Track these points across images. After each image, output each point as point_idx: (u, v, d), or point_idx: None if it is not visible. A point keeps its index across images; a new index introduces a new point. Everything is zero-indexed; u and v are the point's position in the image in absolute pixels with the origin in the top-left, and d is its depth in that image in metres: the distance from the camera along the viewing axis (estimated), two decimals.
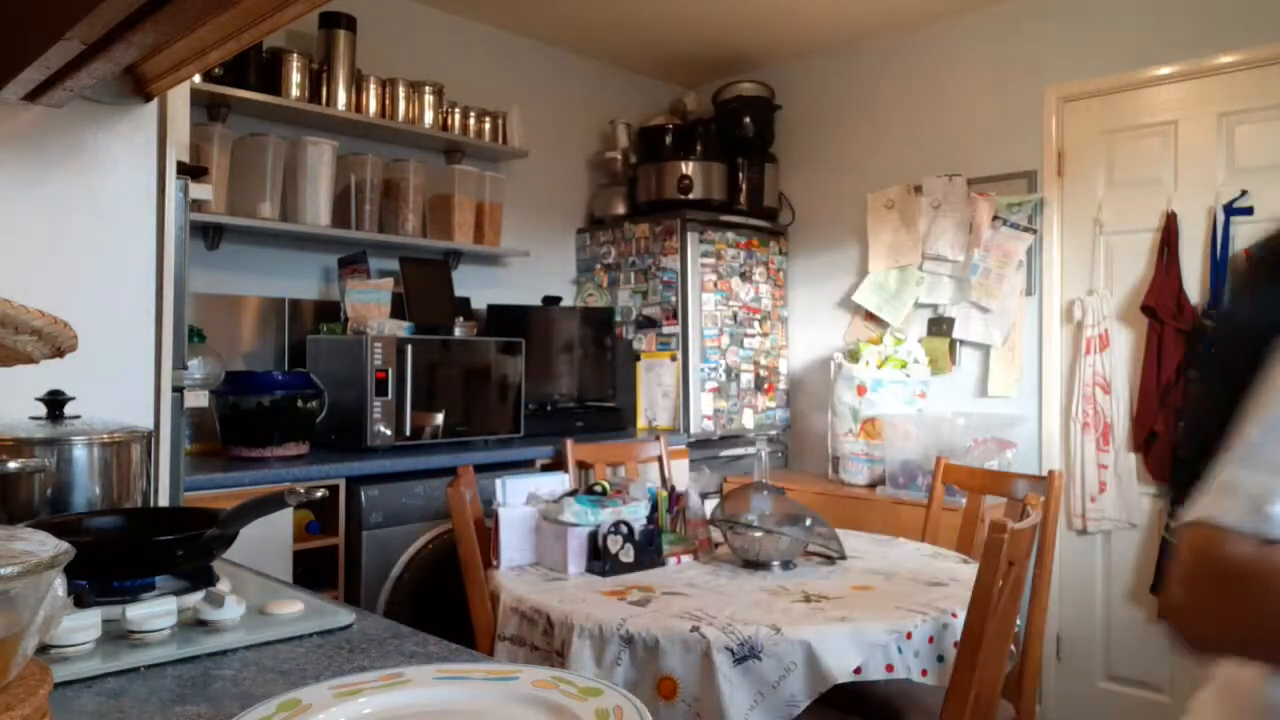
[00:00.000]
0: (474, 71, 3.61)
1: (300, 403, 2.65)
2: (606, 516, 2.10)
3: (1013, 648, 1.89)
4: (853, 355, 3.47)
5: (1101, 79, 3.19)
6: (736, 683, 1.59)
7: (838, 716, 1.90)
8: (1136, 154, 3.14)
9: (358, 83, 3.10)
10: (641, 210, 3.85)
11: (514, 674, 0.84)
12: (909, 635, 1.68)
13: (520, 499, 2.24)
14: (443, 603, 2.52)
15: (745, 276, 3.85)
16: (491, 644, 1.92)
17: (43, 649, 0.87)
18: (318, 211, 2.96)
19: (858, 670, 1.62)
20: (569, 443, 2.88)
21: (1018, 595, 1.77)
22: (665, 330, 3.69)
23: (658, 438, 3.18)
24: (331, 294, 3.17)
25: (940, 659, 1.71)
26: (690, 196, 3.71)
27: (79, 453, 1.29)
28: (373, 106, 3.13)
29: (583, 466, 2.90)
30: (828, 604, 1.80)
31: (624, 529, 2.08)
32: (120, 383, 1.65)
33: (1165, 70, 3.05)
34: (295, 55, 2.93)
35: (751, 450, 3.69)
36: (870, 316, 3.75)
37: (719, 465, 3.66)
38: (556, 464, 2.91)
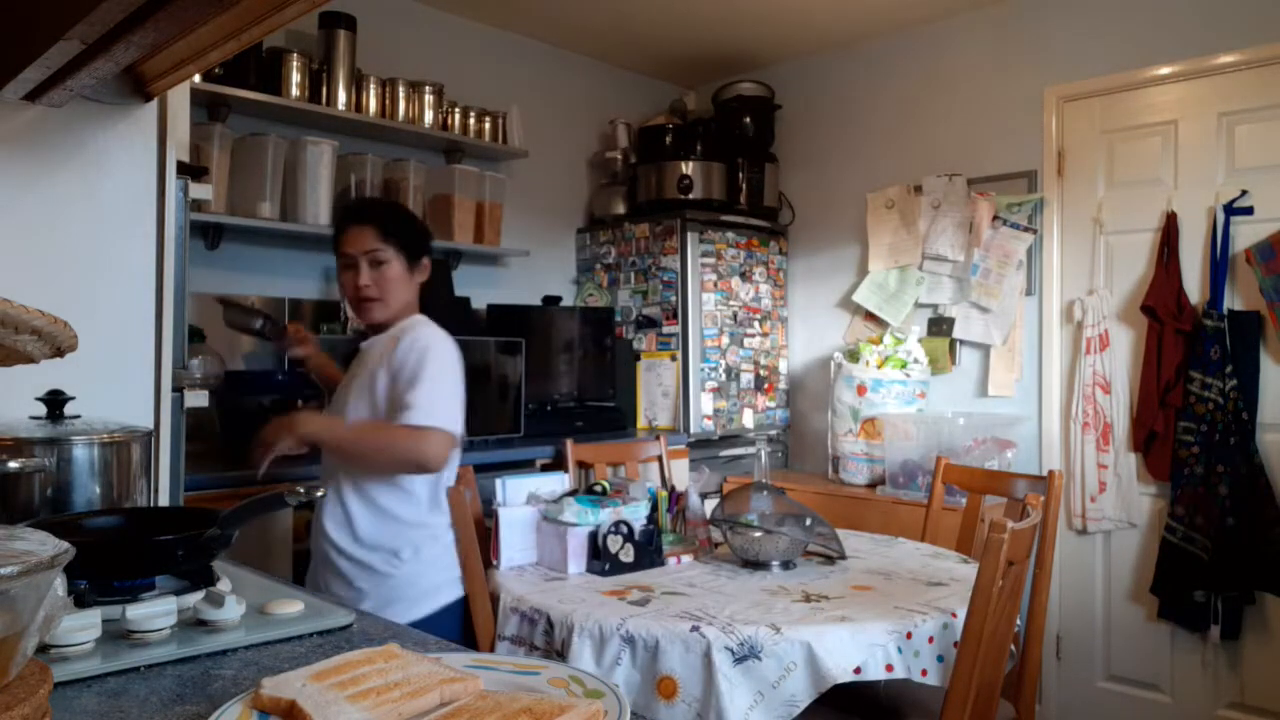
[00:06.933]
0: (474, 71, 3.61)
1: (300, 403, 2.65)
2: (606, 516, 2.10)
3: (1013, 648, 1.89)
4: (853, 355, 3.47)
5: (1101, 79, 3.19)
6: (736, 683, 1.59)
7: (838, 716, 1.90)
8: (1136, 154, 3.14)
9: (358, 83, 3.10)
10: (641, 210, 3.85)
11: (538, 669, 0.88)
12: (909, 635, 1.68)
13: (520, 499, 2.24)
14: None
15: (745, 276, 3.85)
16: (492, 644, 1.92)
17: (43, 648, 0.87)
18: (318, 211, 2.95)
19: (858, 670, 1.62)
20: (569, 443, 2.88)
21: (1018, 595, 1.77)
22: (665, 330, 3.69)
23: (658, 438, 3.18)
24: (331, 294, 3.16)
25: (940, 659, 1.71)
26: (690, 196, 3.71)
27: (79, 453, 1.29)
28: (373, 106, 3.13)
29: (583, 466, 2.90)
30: (828, 604, 1.80)
31: (624, 529, 2.08)
32: (120, 383, 1.65)
33: (1165, 70, 3.05)
34: (295, 55, 2.93)
35: (751, 450, 3.69)
36: (870, 316, 3.75)
37: (719, 465, 3.66)
38: (556, 464, 2.91)
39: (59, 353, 0.95)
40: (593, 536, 2.08)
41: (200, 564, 1.15)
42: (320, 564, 1.98)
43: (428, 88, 3.27)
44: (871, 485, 3.34)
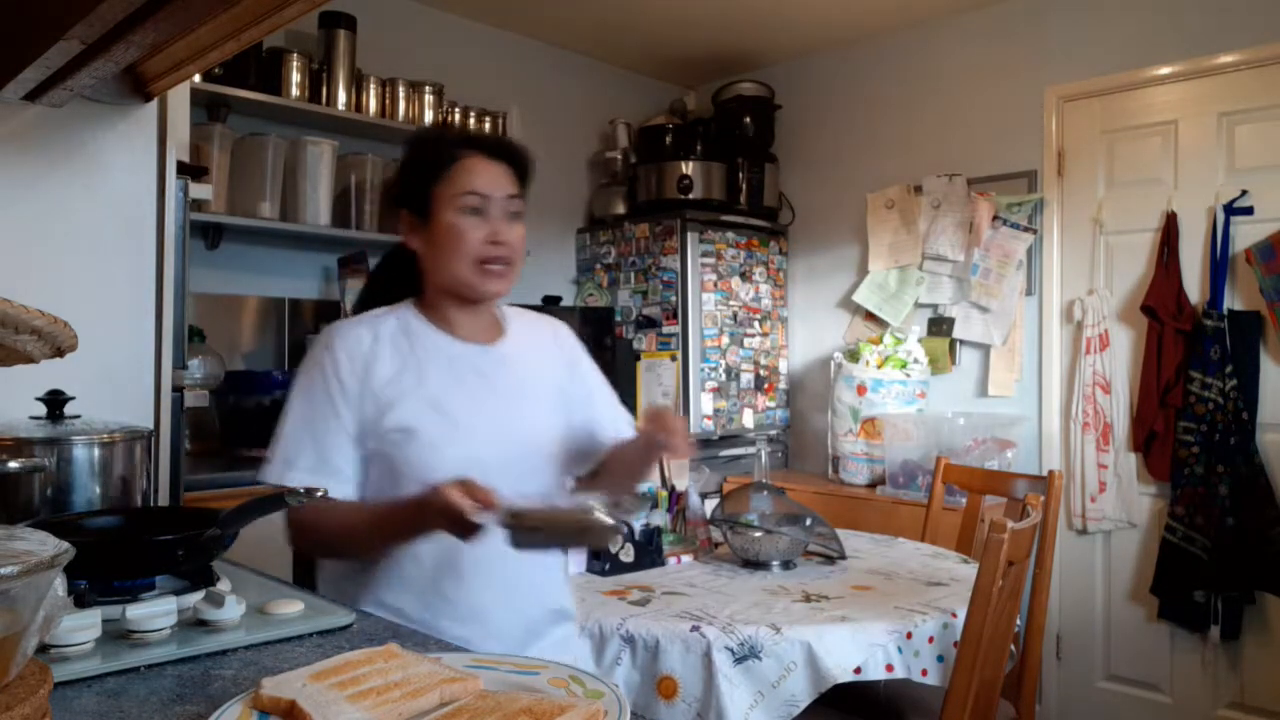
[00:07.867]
0: (474, 71, 3.61)
1: None
2: None
3: (1013, 648, 1.89)
4: (853, 355, 3.47)
5: (1101, 79, 3.19)
6: (737, 682, 1.59)
7: (838, 716, 1.90)
8: (1136, 154, 3.14)
9: (358, 82, 3.10)
10: (641, 210, 3.85)
11: (538, 668, 0.88)
12: (909, 635, 1.68)
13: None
14: None
15: (745, 276, 3.85)
16: None
17: (43, 648, 0.87)
18: (318, 211, 2.95)
19: (858, 670, 1.62)
20: None
21: (1018, 595, 1.77)
22: (665, 330, 3.69)
23: None
24: (331, 294, 3.16)
25: (940, 659, 1.71)
26: (690, 196, 3.71)
27: (79, 453, 1.29)
28: (373, 106, 3.13)
29: None
30: (828, 604, 1.80)
31: (624, 529, 2.08)
32: (120, 383, 1.65)
33: (1165, 70, 3.05)
34: (295, 55, 2.93)
35: (751, 450, 3.69)
36: (870, 316, 3.75)
37: (719, 465, 3.66)
38: None
39: (59, 353, 0.95)
40: None
41: (200, 564, 1.15)
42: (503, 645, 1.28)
43: (428, 88, 3.27)
44: (871, 485, 3.34)
